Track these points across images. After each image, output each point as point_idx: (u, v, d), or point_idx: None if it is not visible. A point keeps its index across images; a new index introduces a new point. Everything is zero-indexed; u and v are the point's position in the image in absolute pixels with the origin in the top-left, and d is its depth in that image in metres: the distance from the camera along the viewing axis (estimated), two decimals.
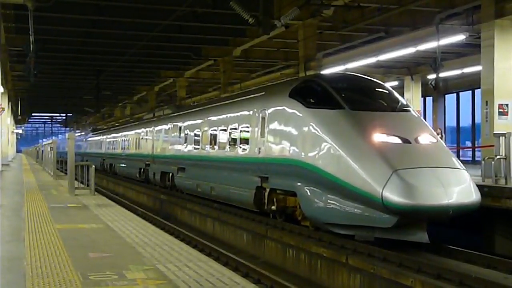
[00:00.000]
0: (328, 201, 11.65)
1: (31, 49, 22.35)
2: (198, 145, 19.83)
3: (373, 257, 10.44)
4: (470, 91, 32.10)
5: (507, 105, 16.42)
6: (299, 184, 12.54)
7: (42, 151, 47.77)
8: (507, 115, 16.42)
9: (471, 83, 29.29)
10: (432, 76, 20.81)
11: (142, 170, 29.38)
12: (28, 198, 17.66)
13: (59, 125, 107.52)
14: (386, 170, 10.50)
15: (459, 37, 17.66)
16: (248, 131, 15.51)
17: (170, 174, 23.84)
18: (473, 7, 17.25)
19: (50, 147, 33.65)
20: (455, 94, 33.99)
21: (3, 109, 29.58)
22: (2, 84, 27.07)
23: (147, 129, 28.82)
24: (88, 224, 12.03)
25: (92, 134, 53.66)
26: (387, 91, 13.38)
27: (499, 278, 9.27)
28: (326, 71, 21.47)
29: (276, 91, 14.76)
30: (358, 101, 12.65)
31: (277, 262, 13.21)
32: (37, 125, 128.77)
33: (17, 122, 75.38)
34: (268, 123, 14.16)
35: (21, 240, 9.97)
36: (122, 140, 36.16)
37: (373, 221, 10.81)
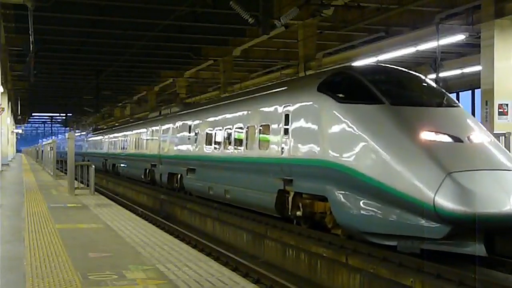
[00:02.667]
0: (366, 207, 10.45)
1: (31, 49, 22.38)
2: (211, 144, 18.52)
3: (373, 257, 10.42)
4: (470, 91, 32.11)
5: (507, 105, 16.42)
6: (330, 187, 11.30)
7: (42, 151, 47.83)
8: (507, 115, 16.42)
9: (471, 83, 29.31)
10: (432, 76, 20.81)
11: (147, 171, 28.14)
12: (28, 198, 17.66)
13: (59, 125, 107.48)
14: (438, 172, 9.36)
15: (459, 37, 17.66)
16: (268, 129, 14.19)
17: (179, 176, 22.67)
18: (473, 7, 17.26)
19: (50, 147, 33.68)
20: (455, 94, 34.01)
21: (3, 109, 29.59)
22: (2, 84, 27.06)
23: (153, 128, 27.49)
24: (88, 224, 12.04)
25: (94, 134, 52.61)
26: (429, 84, 12.26)
27: (499, 277, 9.27)
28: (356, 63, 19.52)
29: (301, 85, 13.55)
30: (399, 95, 11.49)
31: (277, 262, 13.19)
32: (37, 125, 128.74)
33: (17, 122, 75.40)
34: (293, 120, 12.89)
35: (21, 240, 9.98)
36: (126, 139, 34.75)
37: (420, 230, 9.56)
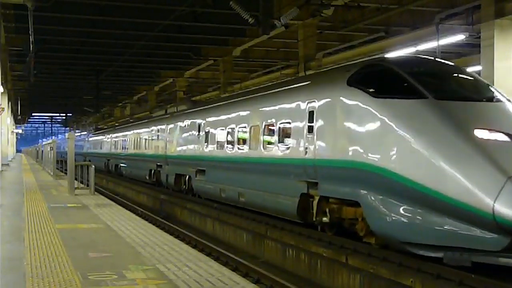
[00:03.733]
0: (408, 214, 9.46)
1: (31, 49, 22.42)
2: (223, 144, 17.49)
3: (373, 257, 10.42)
4: None
5: None
6: (364, 192, 10.31)
7: (42, 151, 47.84)
8: None
9: None
10: None
11: (152, 172, 27.16)
12: (28, 198, 17.66)
13: (59, 125, 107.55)
14: (498, 176, 8.40)
15: (459, 37, 17.65)
16: (289, 128, 13.14)
17: (187, 177, 21.65)
18: (473, 7, 17.24)
19: (50, 147, 33.68)
20: None
21: (3, 109, 29.58)
22: (2, 84, 27.06)
23: (159, 127, 26.32)
24: (88, 224, 12.04)
25: (96, 133, 51.87)
26: (474, 78, 11.12)
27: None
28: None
29: (327, 79, 12.37)
30: (444, 88, 10.43)
31: (277, 262, 13.19)
32: (37, 125, 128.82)
33: (17, 122, 75.43)
34: (318, 118, 11.83)
35: (21, 240, 9.98)
36: (130, 139, 33.65)
37: (474, 242, 8.62)
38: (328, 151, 11.47)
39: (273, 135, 14.06)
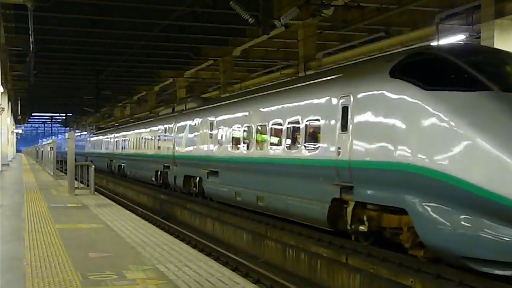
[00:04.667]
0: (469, 225, 8.25)
1: (31, 49, 22.42)
2: (239, 143, 16.34)
3: (373, 257, 10.42)
4: None
5: None
6: (412, 198, 9.10)
7: (42, 151, 47.85)
8: None
9: None
10: None
11: (159, 173, 25.84)
12: (28, 198, 17.66)
13: (59, 125, 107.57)
14: None
15: (459, 37, 17.65)
16: (318, 125, 11.95)
17: (197, 179, 20.36)
18: (473, 7, 17.24)
19: (50, 147, 33.68)
20: None
21: (3, 109, 29.59)
22: (2, 84, 27.07)
23: (166, 125, 25.02)
24: (88, 224, 12.04)
25: (98, 133, 50.86)
26: None
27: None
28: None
29: (364, 71, 11.11)
30: (509, 79, 9.28)
31: (277, 262, 13.19)
32: (37, 125, 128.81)
33: (17, 122, 75.44)
34: (354, 114, 10.65)
35: (21, 240, 9.97)
36: (135, 138, 32.23)
37: None
38: (367, 151, 10.24)
39: (299, 134, 12.83)
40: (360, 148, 10.44)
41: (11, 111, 51.84)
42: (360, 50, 22.17)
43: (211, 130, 18.76)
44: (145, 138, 29.40)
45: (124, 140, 35.78)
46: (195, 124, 20.69)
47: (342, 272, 10.74)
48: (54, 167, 31.32)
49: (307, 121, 12.50)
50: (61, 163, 45.26)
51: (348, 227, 10.96)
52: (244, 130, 16.05)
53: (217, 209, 18.02)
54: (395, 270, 9.54)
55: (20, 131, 75.03)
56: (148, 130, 29.29)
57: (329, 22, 22.67)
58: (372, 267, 9.97)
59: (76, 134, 67.19)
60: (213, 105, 20.06)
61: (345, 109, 11.00)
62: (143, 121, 33.41)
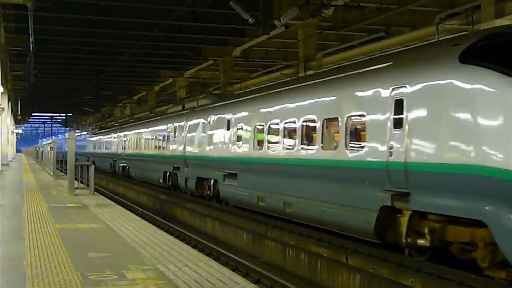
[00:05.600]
0: None
1: (31, 49, 22.43)
2: (263, 143, 14.81)
3: (373, 257, 10.42)
4: None
5: None
6: (493, 208, 7.69)
7: (42, 151, 47.84)
8: None
9: None
10: None
11: (168, 174, 24.46)
12: (28, 198, 17.66)
13: (59, 125, 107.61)
14: None
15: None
16: (362, 122, 10.60)
17: (211, 181, 18.95)
18: (473, 7, 17.25)
19: (50, 147, 33.68)
20: None
21: (3, 109, 29.59)
22: (2, 84, 27.08)
23: (176, 123, 23.44)
24: (88, 224, 12.03)
25: (100, 132, 49.66)
26: None
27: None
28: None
29: (424, 57, 9.58)
30: None
31: (277, 262, 13.19)
32: (37, 125, 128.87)
33: (17, 122, 75.46)
34: (412, 108, 9.20)
35: (21, 240, 9.97)
36: (141, 137, 30.58)
37: None
38: (430, 152, 8.78)
39: (337, 131, 11.36)
40: (420, 148, 8.98)
41: (11, 111, 51.85)
42: (360, 50, 22.17)
43: (229, 129, 17.28)
44: (152, 138, 27.86)
45: (129, 139, 34.26)
46: (210, 122, 19.14)
47: (342, 272, 10.73)
48: (54, 167, 31.32)
49: (348, 117, 11.00)
50: (61, 163, 45.22)
51: (403, 240, 9.51)
52: (269, 128, 14.47)
53: (217, 209, 18.02)
54: (395, 270, 9.54)
55: (20, 131, 75.07)
56: (155, 128, 27.64)
57: (329, 22, 22.68)
58: (372, 267, 9.97)
59: (77, 134, 67.12)
60: (230, 101, 18.32)
61: (398, 103, 9.50)
62: (150, 119, 31.80)
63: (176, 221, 20.35)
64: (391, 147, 9.58)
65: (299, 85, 13.85)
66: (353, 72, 11.54)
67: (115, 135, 39.63)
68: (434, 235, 9.02)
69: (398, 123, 9.47)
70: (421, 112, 9.08)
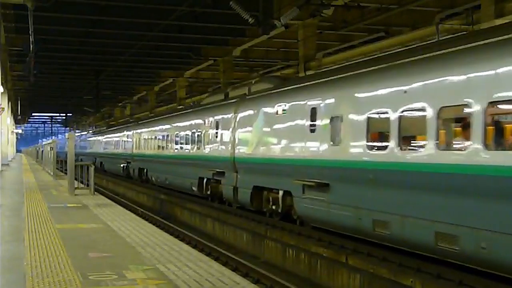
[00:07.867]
0: None
1: (31, 49, 22.42)
2: (377, 140, 10.39)
3: (373, 257, 10.42)
4: None
5: None
6: None
7: (42, 151, 47.83)
8: None
9: None
10: None
11: (205, 181, 19.63)
12: (28, 198, 17.66)
13: (59, 125, 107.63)
14: None
15: None
16: None
17: (280, 193, 14.17)
18: (473, 7, 17.26)
19: (50, 147, 33.68)
20: None
21: (3, 109, 29.59)
22: (2, 84, 27.08)
23: (220, 116, 18.65)
24: (88, 224, 12.03)
25: (110, 129, 44.51)
26: None
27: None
28: None
29: None
30: None
31: (277, 262, 13.20)
32: (37, 125, 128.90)
33: (17, 122, 75.48)
34: None
35: (21, 240, 9.97)
36: (165, 135, 25.54)
37: None
38: None
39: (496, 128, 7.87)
40: None
41: (11, 111, 51.86)
42: (360, 50, 22.18)
43: (311, 121, 12.43)
44: (181, 134, 22.98)
45: (149, 137, 28.85)
46: (277, 112, 14.34)
47: (342, 272, 10.74)
48: (54, 167, 31.31)
49: (490, 104, 7.55)
50: (61, 163, 45.18)
51: None
52: (389, 120, 9.75)
53: (217, 209, 18.02)
54: (395, 270, 9.54)
55: (20, 131, 75.07)
56: (186, 124, 22.56)
57: (329, 22, 22.69)
58: (372, 267, 9.97)
59: (83, 133, 66.76)
60: (317, 82, 13.16)
61: None
62: (178, 112, 26.38)
63: (176, 221, 20.36)
64: None
65: (427, 55, 9.41)
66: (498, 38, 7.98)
67: (130, 132, 34.03)
68: None
69: None
70: None
